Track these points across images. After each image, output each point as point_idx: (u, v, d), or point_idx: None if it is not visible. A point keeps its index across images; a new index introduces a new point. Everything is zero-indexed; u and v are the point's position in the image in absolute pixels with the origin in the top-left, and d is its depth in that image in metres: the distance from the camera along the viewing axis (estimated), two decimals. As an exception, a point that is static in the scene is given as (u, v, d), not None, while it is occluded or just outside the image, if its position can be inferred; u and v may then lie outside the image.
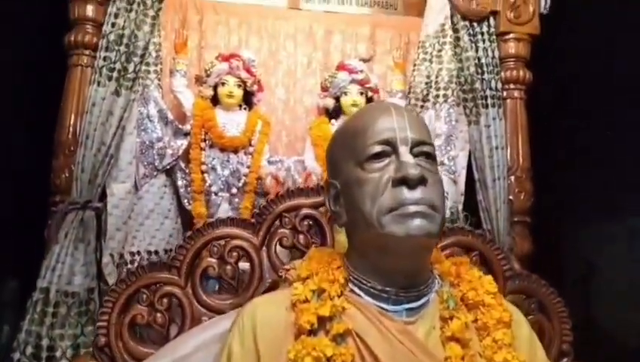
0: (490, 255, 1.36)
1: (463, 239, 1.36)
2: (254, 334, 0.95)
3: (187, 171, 2.68)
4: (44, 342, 1.92)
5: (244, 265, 1.31)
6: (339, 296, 0.96)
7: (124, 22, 2.24)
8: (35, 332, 1.93)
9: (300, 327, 0.94)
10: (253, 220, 1.34)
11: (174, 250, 1.32)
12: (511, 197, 2.32)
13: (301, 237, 1.34)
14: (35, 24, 2.31)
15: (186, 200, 2.68)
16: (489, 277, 1.06)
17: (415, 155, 0.94)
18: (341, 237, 1.30)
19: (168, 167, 2.65)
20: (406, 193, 0.90)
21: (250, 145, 2.75)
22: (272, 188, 2.67)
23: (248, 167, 2.72)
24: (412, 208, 0.89)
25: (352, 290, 0.99)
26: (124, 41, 2.23)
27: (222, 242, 1.32)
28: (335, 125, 2.81)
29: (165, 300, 1.28)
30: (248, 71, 2.75)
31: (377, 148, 0.94)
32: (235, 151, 2.72)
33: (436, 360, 0.92)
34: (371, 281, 0.97)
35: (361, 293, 0.98)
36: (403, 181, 0.90)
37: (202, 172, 2.67)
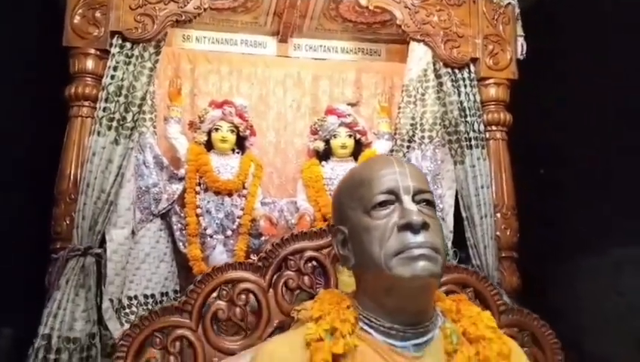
0: (484, 291, 1.44)
1: (459, 276, 1.45)
2: None
3: (182, 215, 2.75)
4: (47, 390, 1.94)
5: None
6: (350, 334, 1.03)
7: (123, 74, 2.32)
8: (38, 380, 1.94)
9: (316, 366, 1.00)
10: (260, 263, 1.41)
11: (185, 293, 1.38)
12: (498, 233, 2.42)
13: (306, 278, 1.41)
14: (35, 77, 2.39)
15: (181, 243, 2.73)
16: (487, 313, 1.14)
17: (417, 203, 1.03)
18: (344, 278, 1.38)
19: (164, 211, 2.71)
20: (410, 237, 0.99)
21: (244, 187, 2.83)
22: (266, 230, 2.74)
23: (242, 209, 2.80)
24: (417, 251, 0.98)
25: (362, 328, 1.06)
26: (123, 92, 2.32)
27: (230, 285, 1.39)
28: (325, 167, 2.92)
29: (177, 343, 1.34)
30: (241, 116, 2.85)
31: (382, 197, 1.03)
32: (229, 194, 2.80)
33: (444, 392, 0.99)
34: (380, 320, 1.05)
35: (371, 331, 1.05)
36: (407, 226, 0.99)
37: (197, 215, 2.74)
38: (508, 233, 2.44)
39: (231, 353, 1.35)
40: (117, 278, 2.30)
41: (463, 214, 2.47)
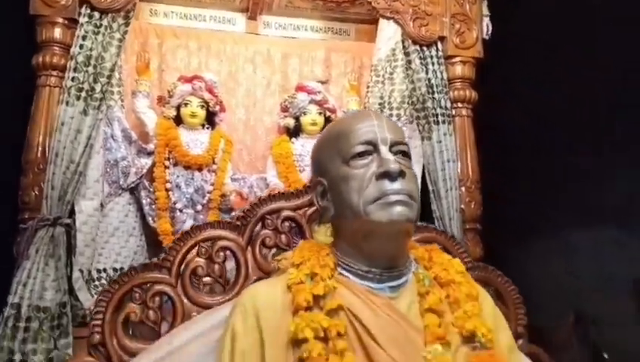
0: (452, 248, 1.53)
1: (428, 235, 1.53)
2: (256, 314, 1.07)
3: (151, 189, 2.76)
4: (17, 357, 1.94)
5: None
6: (330, 278, 1.10)
7: (92, 44, 2.32)
8: (7, 348, 1.94)
9: (298, 305, 1.07)
10: (238, 223, 1.46)
11: (165, 251, 1.42)
12: (462, 206, 2.53)
13: (283, 237, 1.47)
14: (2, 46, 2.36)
15: (150, 218, 2.75)
16: (457, 260, 1.22)
17: (394, 153, 1.10)
18: (320, 238, 1.44)
19: (133, 185, 2.72)
20: (388, 185, 1.06)
21: (214, 163, 2.86)
22: (237, 204, 2.78)
23: (212, 184, 2.83)
24: (393, 197, 1.05)
25: (340, 273, 1.13)
26: (92, 62, 2.32)
27: (209, 243, 1.43)
28: (295, 143, 2.97)
29: (157, 298, 1.38)
30: (210, 92, 2.88)
31: (361, 148, 1.10)
32: (199, 169, 2.82)
33: (417, 329, 1.07)
34: (358, 264, 1.12)
35: (349, 275, 1.12)
36: (385, 175, 1.06)
37: (167, 189, 2.76)
38: (472, 206, 2.55)
39: (209, 308, 1.39)
40: (87, 249, 2.31)
41: (430, 188, 2.57)
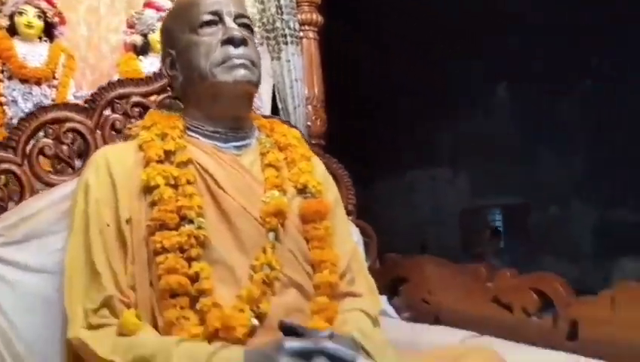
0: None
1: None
2: (108, 168, 1.17)
3: (-17, 104, 2.62)
4: None
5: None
6: (180, 138, 1.23)
7: None
8: None
9: (149, 158, 1.18)
10: (86, 105, 1.51)
11: (10, 131, 1.43)
12: (309, 123, 2.75)
13: (133, 121, 1.55)
14: None
15: (-17, 135, 2.61)
16: (295, 130, 1.41)
17: (238, 25, 1.24)
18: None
19: (-40, 98, 2.56)
20: (232, 50, 1.21)
21: (54, 77, 2.77)
22: (81, 120, 2.73)
23: (53, 100, 2.75)
24: (237, 61, 1.20)
25: (189, 135, 1.26)
26: None
27: (57, 125, 1.47)
28: (143, 61, 2.96)
29: (2, 177, 1.40)
30: (48, 1, 2.75)
31: (208, 17, 1.23)
32: (38, 84, 2.73)
33: (258, 181, 1.25)
34: (205, 125, 1.26)
35: (198, 136, 1.26)
36: (229, 41, 1.21)
37: (1, 104, 2.63)
38: (318, 123, 2.77)
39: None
40: None
41: (279, 105, 2.75)
